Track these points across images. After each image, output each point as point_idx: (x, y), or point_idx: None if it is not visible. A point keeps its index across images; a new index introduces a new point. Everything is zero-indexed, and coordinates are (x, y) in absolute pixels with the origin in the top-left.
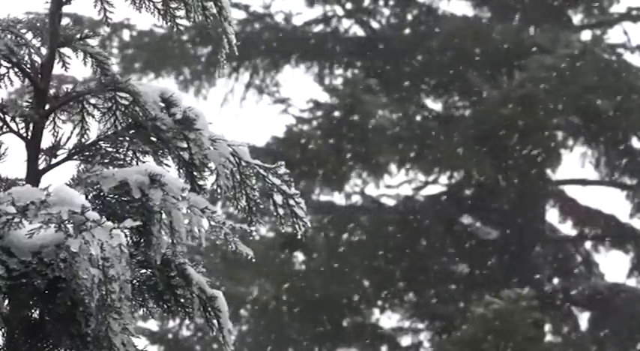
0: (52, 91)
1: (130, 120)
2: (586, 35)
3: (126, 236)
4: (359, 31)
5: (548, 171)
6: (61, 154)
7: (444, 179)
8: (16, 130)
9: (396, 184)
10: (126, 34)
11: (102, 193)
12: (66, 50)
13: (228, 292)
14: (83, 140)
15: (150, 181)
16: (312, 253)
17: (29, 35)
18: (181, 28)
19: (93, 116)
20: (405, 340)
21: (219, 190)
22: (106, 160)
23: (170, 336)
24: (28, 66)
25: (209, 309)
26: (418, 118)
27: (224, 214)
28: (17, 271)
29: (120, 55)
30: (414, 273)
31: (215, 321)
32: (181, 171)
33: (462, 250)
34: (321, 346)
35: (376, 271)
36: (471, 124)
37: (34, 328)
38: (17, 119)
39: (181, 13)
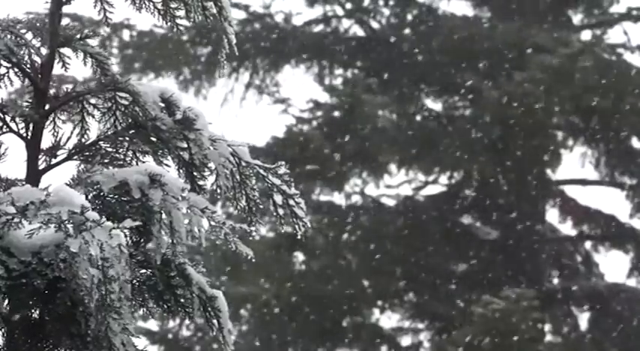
0: (52, 91)
1: (130, 120)
2: (586, 35)
3: (126, 236)
4: (359, 31)
5: (548, 171)
6: (61, 154)
7: (444, 179)
8: (16, 130)
9: (396, 184)
10: (126, 34)
11: (102, 193)
12: (66, 50)
13: (228, 292)
14: (83, 140)
15: (150, 181)
16: (312, 253)
17: (29, 35)
18: (181, 28)
19: (93, 116)
20: (405, 340)
21: (219, 190)
22: (106, 160)
23: (170, 336)
24: (28, 66)
25: (209, 309)
26: (418, 118)
27: (224, 214)
28: (17, 271)
29: (120, 55)
30: (414, 273)
31: (215, 321)
32: (181, 171)
33: (462, 250)
34: (321, 346)
35: (376, 271)
36: (470, 124)
37: (34, 328)
38: (17, 119)
39: (181, 13)
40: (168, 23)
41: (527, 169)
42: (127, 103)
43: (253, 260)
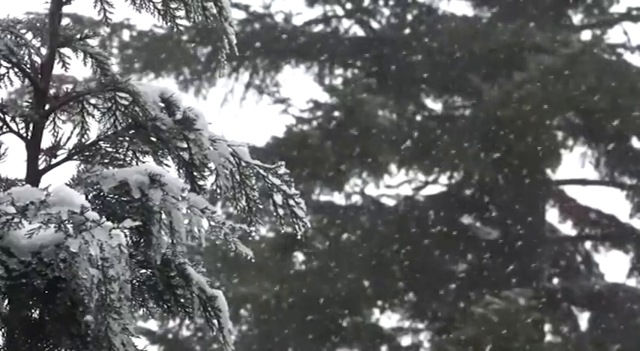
0: (52, 91)
1: (130, 120)
2: (586, 35)
3: (126, 236)
4: (359, 31)
5: (548, 171)
6: (61, 154)
7: (444, 179)
8: (16, 130)
9: (396, 184)
10: (126, 34)
11: (102, 193)
12: (66, 50)
13: (228, 292)
14: (83, 140)
15: (150, 181)
16: (312, 253)
17: (29, 35)
18: (181, 28)
19: (93, 116)
20: (405, 340)
21: (219, 191)
22: (106, 160)
23: (170, 336)
24: (28, 66)
25: (209, 309)
26: (418, 118)
27: (224, 214)
28: (17, 271)
29: (120, 55)
30: (414, 273)
31: (215, 321)
32: (181, 171)
33: (462, 250)
34: (321, 346)
35: (376, 271)
36: (470, 124)
37: (34, 328)
38: (17, 119)
39: (181, 13)
40: (168, 23)
41: (527, 169)
42: (127, 103)
43: (253, 260)
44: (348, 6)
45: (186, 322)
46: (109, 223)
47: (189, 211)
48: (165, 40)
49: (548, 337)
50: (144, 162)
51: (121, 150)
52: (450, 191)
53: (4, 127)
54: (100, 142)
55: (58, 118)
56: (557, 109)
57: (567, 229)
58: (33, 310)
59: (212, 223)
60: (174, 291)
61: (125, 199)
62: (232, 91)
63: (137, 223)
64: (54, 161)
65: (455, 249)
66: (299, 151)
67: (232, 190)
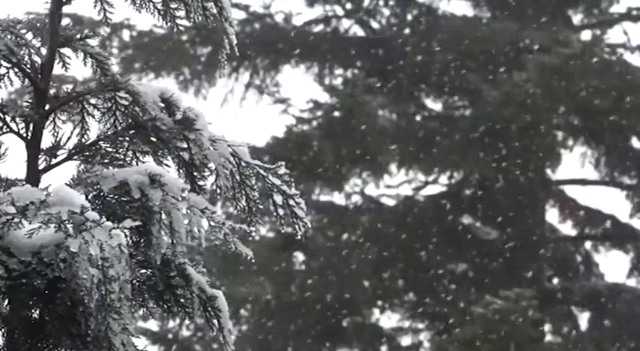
0: (52, 92)
1: (130, 120)
2: (586, 35)
3: (126, 236)
4: (359, 31)
5: (548, 171)
6: (61, 154)
7: (444, 179)
8: (16, 130)
9: (396, 184)
10: (126, 34)
11: (102, 193)
12: (66, 50)
13: (228, 292)
14: (83, 140)
15: (150, 181)
16: (312, 253)
17: (29, 35)
18: (181, 28)
19: (93, 116)
20: (405, 340)
21: (218, 191)
22: (106, 161)
23: (170, 336)
24: (28, 66)
25: (209, 309)
26: (418, 118)
27: (224, 215)
28: (17, 271)
29: (120, 55)
30: (414, 273)
31: (215, 321)
32: (181, 171)
33: (462, 250)
34: (321, 346)
35: (376, 271)
36: (471, 124)
37: (34, 328)
38: (17, 119)
39: (181, 13)
40: (168, 23)
41: (527, 169)
42: (127, 103)
43: (253, 260)
44: (348, 6)
45: (186, 322)
46: (109, 223)
47: (189, 212)
48: (165, 40)
49: (548, 337)
50: (144, 162)
51: (121, 150)
52: (450, 191)
53: (4, 127)
54: (100, 142)
55: (58, 118)
56: (557, 109)
57: (567, 229)
58: (33, 310)
59: (212, 224)
60: (174, 291)
61: (125, 199)
62: (232, 91)
63: (137, 223)
64: (54, 161)
65: (455, 249)
66: (299, 151)
67: (232, 190)
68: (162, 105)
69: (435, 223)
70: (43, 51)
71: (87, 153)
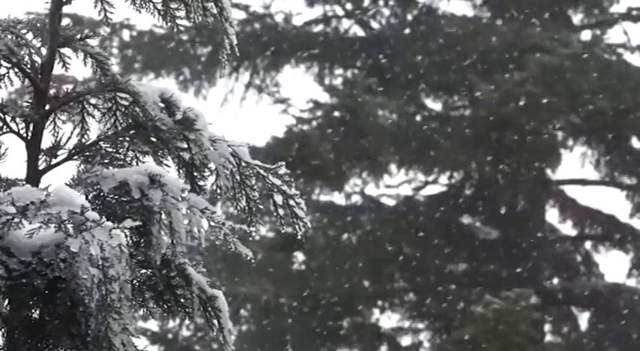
0: (52, 92)
1: (130, 120)
2: (586, 35)
3: (126, 236)
4: (359, 31)
5: (548, 171)
6: (61, 154)
7: (444, 179)
8: (17, 130)
9: (396, 184)
10: (126, 34)
11: (102, 194)
12: (66, 50)
13: (228, 292)
14: (83, 140)
15: (150, 182)
16: (312, 253)
17: (29, 35)
18: (181, 28)
19: (93, 116)
20: (405, 340)
21: (219, 191)
22: (106, 161)
23: (170, 336)
24: (29, 66)
25: (209, 309)
26: (418, 118)
27: (224, 215)
28: (17, 271)
29: (120, 55)
30: (414, 273)
31: (215, 321)
32: (181, 171)
33: (462, 250)
34: (321, 346)
35: (376, 271)
36: (471, 124)
37: (34, 328)
38: (17, 119)
39: (181, 13)
40: (169, 23)
41: (526, 169)
42: (127, 103)
43: (253, 260)
44: (348, 6)
45: (186, 322)
46: (109, 223)
47: (189, 212)
48: (165, 40)
49: (548, 337)
50: (144, 162)
51: (121, 150)
52: (450, 191)
53: (5, 127)
54: (100, 143)
55: (58, 118)
56: (557, 109)
57: (567, 229)
58: (33, 310)
59: (212, 224)
60: (175, 291)
61: (125, 199)
62: (232, 91)
63: (137, 223)
64: (54, 161)
65: (455, 249)
66: (299, 151)
67: (232, 190)
68: (163, 105)
69: (435, 223)
70: (44, 51)
71: (87, 153)
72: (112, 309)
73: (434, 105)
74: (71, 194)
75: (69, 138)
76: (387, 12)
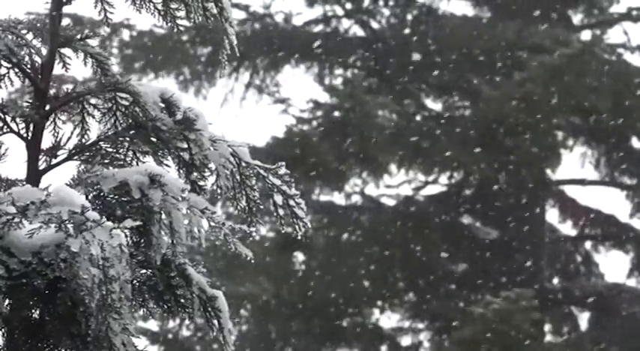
0: (52, 92)
1: (130, 120)
2: (586, 35)
3: (126, 236)
4: (359, 31)
5: (548, 171)
6: (62, 154)
7: (444, 179)
8: (17, 130)
9: (396, 184)
10: (126, 34)
11: (102, 194)
12: (66, 50)
13: (228, 292)
14: (83, 141)
15: (150, 182)
16: (312, 253)
17: (30, 36)
18: (181, 28)
19: (93, 117)
20: (405, 340)
21: (219, 191)
22: (106, 161)
23: (170, 336)
24: (29, 66)
25: (209, 309)
26: (418, 118)
27: (224, 215)
28: (17, 271)
29: (120, 55)
30: (414, 273)
31: (215, 321)
32: (181, 171)
33: (462, 250)
34: (321, 346)
35: (376, 271)
36: (471, 124)
37: (34, 328)
38: (17, 119)
39: (182, 13)
40: (169, 24)
41: (527, 169)
42: (127, 103)
43: (253, 260)
44: (348, 6)
45: (186, 322)
46: (110, 223)
47: (189, 212)
48: (165, 40)
49: (548, 337)
50: (144, 162)
51: (122, 150)
52: (450, 191)
53: (5, 127)
54: (101, 143)
55: (59, 118)
56: (557, 109)
57: (567, 229)
58: (33, 310)
59: (212, 224)
60: (175, 291)
61: (125, 199)
62: (232, 91)
63: (137, 223)
64: (54, 161)
65: (455, 249)
66: (299, 151)
67: (232, 190)
68: (163, 105)
69: (435, 223)
70: (44, 51)
71: (87, 153)
72: (113, 309)
73: (434, 105)
74: (71, 194)
75: (69, 138)
76: (387, 12)
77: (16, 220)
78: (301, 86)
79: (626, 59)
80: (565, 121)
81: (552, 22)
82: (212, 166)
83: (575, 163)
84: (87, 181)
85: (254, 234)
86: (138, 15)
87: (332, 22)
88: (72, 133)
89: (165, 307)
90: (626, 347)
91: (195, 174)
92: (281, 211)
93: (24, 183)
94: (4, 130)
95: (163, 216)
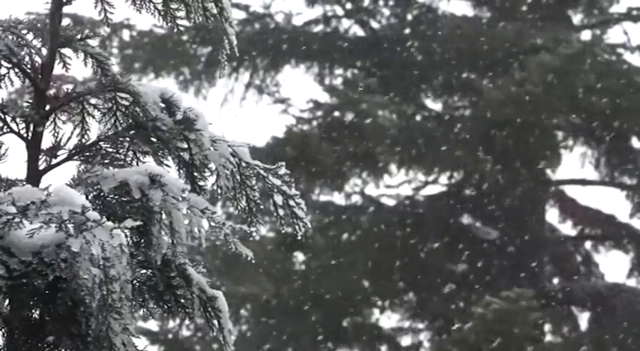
0: (52, 92)
1: (131, 120)
2: (586, 35)
3: (126, 236)
4: (359, 31)
5: (548, 171)
6: (62, 154)
7: (444, 179)
8: (17, 130)
9: (396, 184)
10: (126, 34)
11: (102, 194)
12: (66, 51)
13: (228, 292)
14: (83, 141)
15: (150, 182)
16: (312, 253)
17: (30, 36)
18: (181, 28)
19: (93, 117)
20: (405, 340)
21: (219, 191)
22: (107, 161)
23: (170, 336)
24: (29, 66)
25: (209, 309)
26: (418, 118)
27: (224, 215)
28: (18, 271)
29: (120, 55)
30: (414, 273)
31: (215, 321)
32: (181, 171)
33: (462, 250)
34: (321, 346)
35: (376, 271)
36: (471, 124)
37: (35, 328)
38: (18, 120)
39: (182, 13)
40: (169, 24)
41: (527, 169)
42: (127, 103)
43: (253, 260)
44: (348, 6)
45: (186, 322)
46: (110, 223)
47: (189, 212)
48: (165, 40)
49: (548, 337)
50: (144, 162)
51: (122, 150)
52: (450, 191)
53: (5, 127)
54: (101, 143)
55: (59, 118)
56: (557, 109)
57: (567, 229)
58: (33, 310)
59: (212, 224)
60: (175, 291)
61: (125, 199)
62: (232, 91)
63: (138, 223)
64: (54, 161)
65: (455, 249)
66: (299, 151)
67: (233, 190)
68: (163, 105)
69: (435, 223)
70: (44, 51)
71: (87, 153)
72: (113, 309)
73: (434, 105)
74: (72, 194)
75: (69, 138)
76: (387, 12)
77: (17, 220)
78: (301, 86)
79: (626, 59)
80: (565, 121)
81: (552, 22)
82: (212, 166)
83: (575, 163)
84: (87, 181)
85: (254, 234)
86: (138, 15)
87: (332, 22)
88: (72, 133)
89: (166, 307)
90: (626, 347)
91: (195, 174)
92: (281, 212)
93: (24, 183)
94: (4, 130)
95: (164, 216)
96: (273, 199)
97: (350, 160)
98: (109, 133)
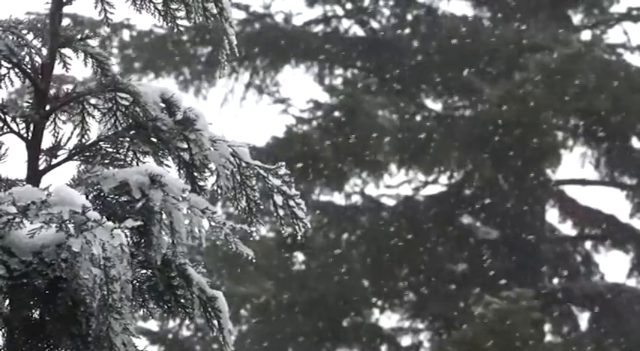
0: (52, 92)
1: (131, 120)
2: (586, 35)
3: (126, 236)
4: (359, 31)
5: (548, 171)
6: (62, 154)
7: (444, 179)
8: (17, 130)
9: (396, 184)
10: (126, 34)
11: (102, 194)
12: (66, 51)
13: (228, 292)
14: (83, 141)
15: (150, 182)
16: (312, 253)
17: (30, 36)
18: (181, 28)
19: (93, 117)
20: (405, 340)
21: (219, 191)
22: (107, 161)
23: (170, 336)
24: (29, 66)
25: (209, 309)
26: (418, 118)
27: (224, 215)
28: (18, 271)
29: (120, 55)
30: (414, 273)
31: (215, 321)
32: (182, 171)
33: (462, 250)
34: (321, 346)
35: (376, 271)
36: (471, 124)
37: (35, 328)
38: (18, 120)
39: (182, 13)
40: (169, 24)
41: (527, 169)
42: (127, 103)
43: (253, 260)
44: (348, 6)
45: (186, 322)
46: (111, 223)
47: (189, 212)
48: (165, 40)
49: (548, 337)
50: (144, 162)
51: (122, 150)
52: (450, 191)
53: (5, 127)
54: (101, 143)
55: (59, 118)
56: (557, 109)
57: (567, 229)
58: (34, 310)
59: (212, 224)
60: (175, 291)
61: (126, 199)
62: (232, 91)
63: (138, 223)
64: (54, 161)
65: (455, 249)
66: (299, 152)
67: (233, 190)
68: (163, 105)
69: (434, 223)
70: (44, 51)
71: (87, 153)
72: (114, 309)
73: (434, 105)
74: (72, 194)
75: (69, 138)
76: (387, 12)
77: (17, 220)
78: (301, 86)
79: (626, 59)
80: (565, 121)
81: (552, 22)
82: (212, 166)
83: (575, 163)
84: (87, 181)
85: (254, 234)
86: (138, 15)
87: (332, 22)
88: (72, 133)
89: (166, 307)
90: (626, 347)
91: (195, 174)
92: (281, 212)
93: (24, 183)
94: (4, 130)
95: (164, 216)
96: (273, 199)
97: (350, 160)
98: (109, 133)
